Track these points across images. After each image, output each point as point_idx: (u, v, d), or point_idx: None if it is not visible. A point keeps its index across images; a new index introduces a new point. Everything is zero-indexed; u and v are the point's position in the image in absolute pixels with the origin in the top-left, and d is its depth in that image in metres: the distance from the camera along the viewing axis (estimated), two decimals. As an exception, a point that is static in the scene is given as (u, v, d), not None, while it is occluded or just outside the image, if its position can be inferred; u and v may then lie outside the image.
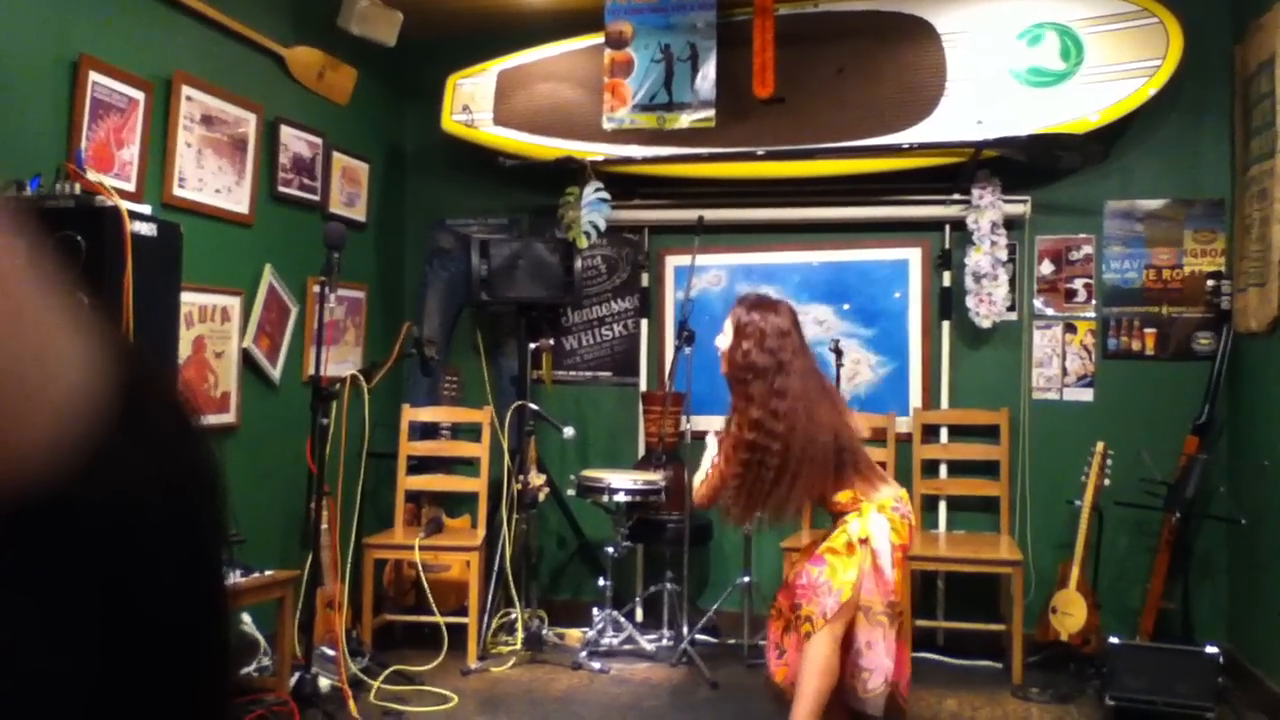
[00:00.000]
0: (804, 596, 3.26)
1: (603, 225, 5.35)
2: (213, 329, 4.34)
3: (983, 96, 4.96)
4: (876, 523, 3.33)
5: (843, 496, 3.42)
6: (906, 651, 3.47)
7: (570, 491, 5.11)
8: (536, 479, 5.04)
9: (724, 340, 3.51)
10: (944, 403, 5.22)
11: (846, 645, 3.31)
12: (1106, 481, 4.72)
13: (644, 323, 5.64)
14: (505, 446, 5.19)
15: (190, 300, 4.10)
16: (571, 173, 5.37)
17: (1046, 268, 5.16)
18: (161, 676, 0.47)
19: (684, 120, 5.24)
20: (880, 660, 3.26)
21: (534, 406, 5.11)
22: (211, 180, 4.33)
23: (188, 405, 0.51)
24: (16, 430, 0.42)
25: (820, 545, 3.38)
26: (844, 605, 3.19)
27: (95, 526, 0.44)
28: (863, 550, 3.28)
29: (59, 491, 0.43)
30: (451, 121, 5.54)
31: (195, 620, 0.49)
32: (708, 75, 5.20)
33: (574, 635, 5.07)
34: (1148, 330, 5.04)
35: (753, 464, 3.38)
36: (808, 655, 3.17)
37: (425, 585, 4.84)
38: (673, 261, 5.59)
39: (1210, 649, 4.08)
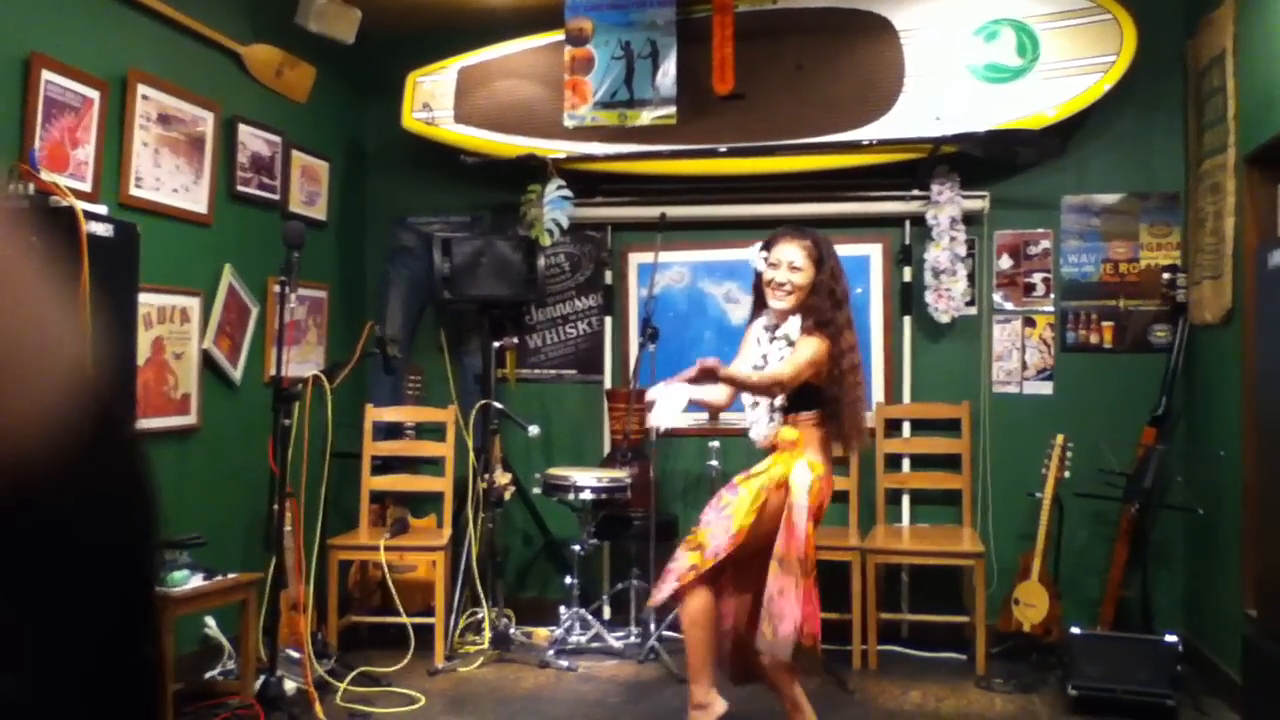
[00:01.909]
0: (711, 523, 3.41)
1: (565, 223, 5.35)
2: (172, 330, 4.29)
3: (941, 92, 5.01)
4: (801, 475, 3.42)
5: (790, 433, 3.49)
6: (817, 603, 3.48)
7: (536, 490, 5.11)
8: (502, 478, 5.03)
9: (795, 276, 3.48)
10: (906, 397, 5.27)
11: (758, 591, 3.42)
12: (1066, 473, 4.78)
13: (608, 320, 5.64)
14: (470, 445, 5.17)
15: (148, 301, 4.06)
16: (533, 170, 5.36)
17: (1005, 262, 5.22)
18: (89, 678, 0.47)
19: (645, 117, 5.25)
20: (791, 608, 3.33)
21: (498, 405, 5.10)
22: (169, 180, 4.28)
23: (132, 421, 0.52)
24: (13, 410, 0.42)
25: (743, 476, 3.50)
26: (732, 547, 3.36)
27: (27, 533, 0.44)
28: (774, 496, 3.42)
29: (12, 490, 0.43)
30: (412, 119, 5.52)
31: (124, 625, 0.49)
32: (668, 72, 5.21)
33: (541, 634, 5.06)
34: (1105, 323, 5.11)
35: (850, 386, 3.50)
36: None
37: (391, 586, 4.82)
38: (636, 259, 5.59)
39: (1169, 637, 4.15)
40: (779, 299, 3.50)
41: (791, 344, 3.48)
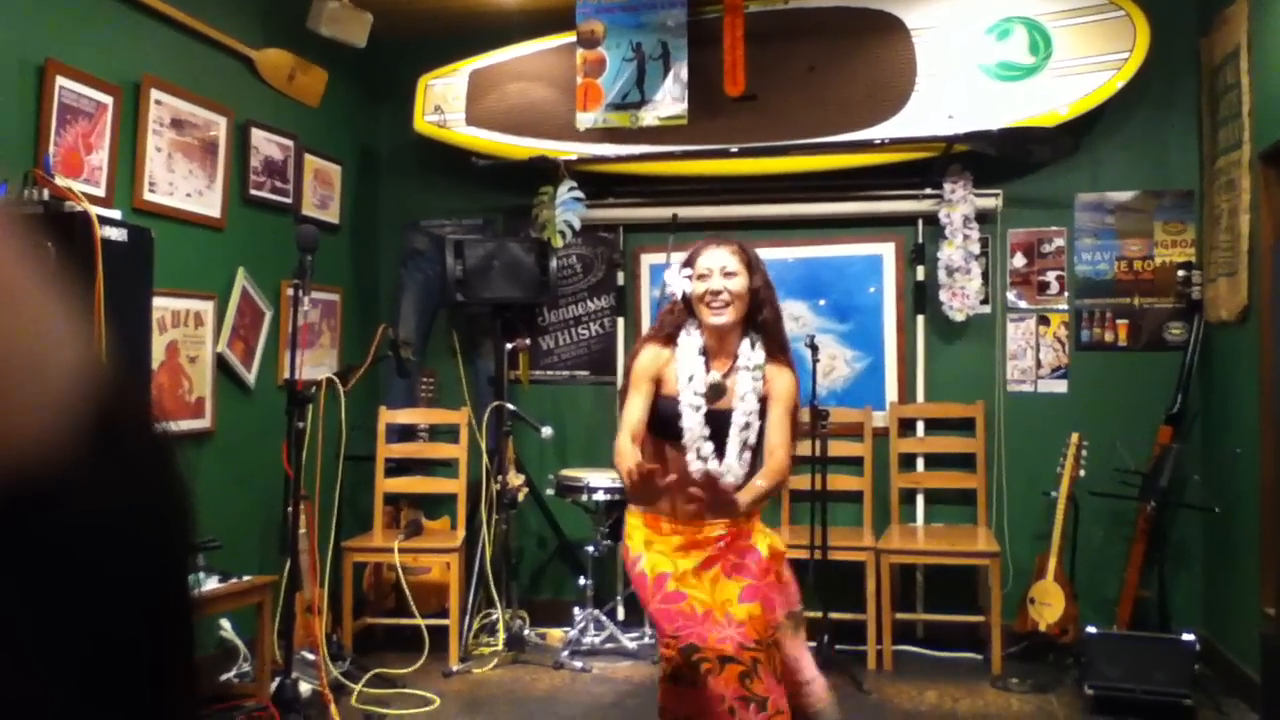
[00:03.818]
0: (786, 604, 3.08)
1: (577, 224, 5.35)
2: (186, 334, 4.31)
3: (953, 91, 4.99)
4: (765, 533, 3.07)
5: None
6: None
7: (549, 491, 5.11)
8: (515, 479, 5.03)
9: (730, 283, 3.00)
10: (920, 396, 5.25)
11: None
12: (1082, 472, 4.76)
13: (620, 321, 5.64)
14: (483, 447, 5.18)
15: (163, 305, 4.08)
16: (545, 172, 5.37)
17: (1019, 261, 5.20)
18: (122, 694, 0.47)
19: (657, 118, 5.25)
20: (812, 668, 3.12)
21: (511, 407, 5.10)
22: (182, 184, 4.30)
23: (159, 422, 0.51)
24: (7, 419, 0.42)
25: (739, 557, 2.96)
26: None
27: (58, 541, 0.44)
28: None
29: (28, 498, 0.42)
30: (424, 122, 5.53)
31: (157, 638, 0.49)
32: (679, 73, 5.21)
33: (555, 635, 5.07)
34: (1120, 321, 5.08)
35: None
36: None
37: (405, 588, 4.82)
38: (648, 259, 5.59)
39: (1186, 636, 4.12)
40: (717, 314, 2.98)
41: (760, 375, 3.01)
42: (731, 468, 2.95)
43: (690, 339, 3.06)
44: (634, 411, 3.01)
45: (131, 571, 0.47)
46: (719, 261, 3.01)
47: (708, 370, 3.01)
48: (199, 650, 4.18)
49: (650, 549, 2.98)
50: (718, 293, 2.98)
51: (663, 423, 3.00)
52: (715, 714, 2.80)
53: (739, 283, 3.01)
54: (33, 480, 0.43)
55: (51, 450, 0.43)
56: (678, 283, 3.08)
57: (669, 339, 3.09)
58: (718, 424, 2.96)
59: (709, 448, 2.95)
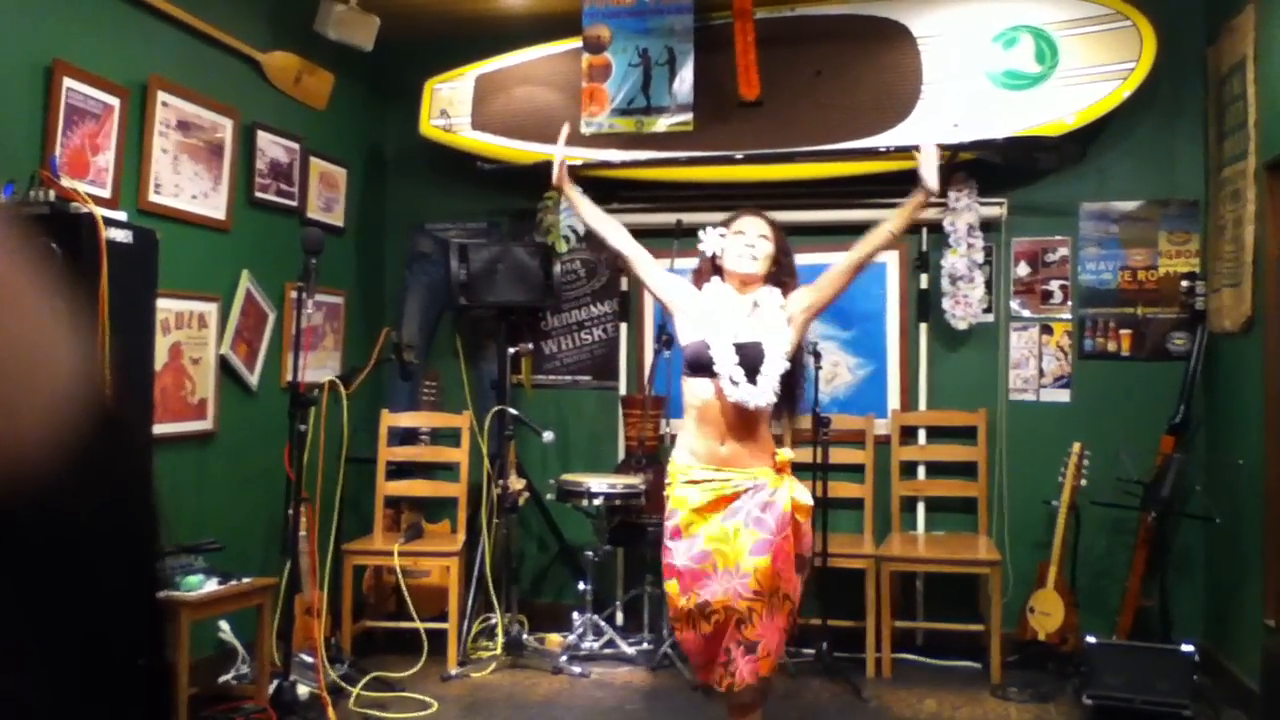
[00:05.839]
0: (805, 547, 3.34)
1: (581, 229, 5.36)
2: (190, 335, 4.32)
3: (959, 99, 4.99)
4: (799, 486, 3.35)
5: (784, 456, 3.36)
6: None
7: (550, 495, 5.11)
8: (516, 483, 5.03)
9: (762, 244, 3.41)
10: (922, 404, 5.25)
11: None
12: (1083, 481, 4.75)
13: (623, 327, 5.64)
14: (485, 451, 5.18)
15: (167, 307, 4.08)
16: (550, 177, 5.36)
17: (1023, 269, 5.19)
18: (100, 687, 0.47)
19: (662, 124, 5.25)
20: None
21: (514, 411, 5.10)
22: (188, 186, 4.30)
23: (140, 426, 0.52)
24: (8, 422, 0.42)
25: (761, 510, 3.24)
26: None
27: (43, 542, 0.44)
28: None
29: (19, 500, 0.43)
30: (430, 126, 5.54)
31: (131, 634, 0.50)
32: (685, 79, 5.21)
33: (554, 640, 5.07)
34: (1123, 331, 5.08)
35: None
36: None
37: (405, 591, 4.83)
38: (652, 265, 5.58)
39: (1187, 647, 4.11)
40: (746, 264, 3.39)
41: (783, 306, 3.42)
42: (764, 391, 3.27)
43: (715, 286, 3.47)
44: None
45: (111, 571, 0.48)
46: (756, 227, 3.45)
47: (752, 312, 3.40)
48: (197, 652, 4.17)
49: (685, 506, 3.29)
50: (751, 244, 3.40)
51: (693, 361, 3.35)
52: (712, 655, 3.23)
53: (768, 245, 3.43)
54: (24, 483, 0.43)
55: (45, 454, 0.43)
56: (712, 242, 3.48)
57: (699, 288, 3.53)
58: (748, 357, 3.30)
59: (740, 373, 3.27)
